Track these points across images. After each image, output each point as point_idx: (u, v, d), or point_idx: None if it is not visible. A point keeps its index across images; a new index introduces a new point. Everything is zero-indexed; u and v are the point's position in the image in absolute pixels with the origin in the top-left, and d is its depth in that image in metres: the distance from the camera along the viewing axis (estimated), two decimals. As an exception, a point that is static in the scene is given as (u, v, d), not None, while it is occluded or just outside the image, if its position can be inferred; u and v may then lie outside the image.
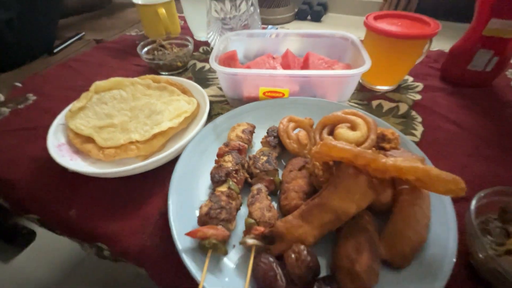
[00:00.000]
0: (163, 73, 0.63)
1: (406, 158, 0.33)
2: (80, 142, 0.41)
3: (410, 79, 0.59)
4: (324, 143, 0.27)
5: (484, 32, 0.49)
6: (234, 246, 0.29)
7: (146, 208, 0.35)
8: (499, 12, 0.46)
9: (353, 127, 0.36)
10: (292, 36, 0.58)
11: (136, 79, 0.51)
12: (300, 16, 2.82)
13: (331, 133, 0.38)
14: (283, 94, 0.46)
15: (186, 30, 0.83)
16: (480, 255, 0.25)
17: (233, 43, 0.58)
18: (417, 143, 0.43)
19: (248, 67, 0.50)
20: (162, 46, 0.62)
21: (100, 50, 0.75)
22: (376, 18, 0.51)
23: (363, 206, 0.27)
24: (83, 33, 1.16)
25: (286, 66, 0.51)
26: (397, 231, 0.27)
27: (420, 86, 0.57)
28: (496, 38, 0.48)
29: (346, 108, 0.42)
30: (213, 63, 0.44)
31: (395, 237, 0.27)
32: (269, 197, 0.32)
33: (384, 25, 0.48)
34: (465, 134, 0.45)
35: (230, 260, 0.28)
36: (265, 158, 0.35)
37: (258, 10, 0.68)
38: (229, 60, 0.50)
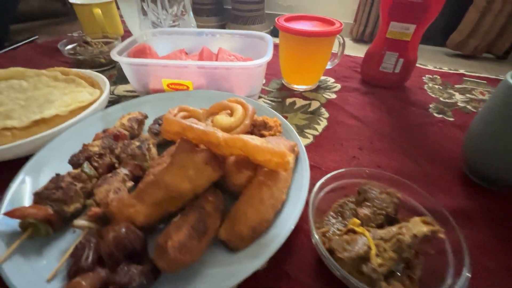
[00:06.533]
0: (88, 69, 0.62)
1: (277, 142, 0.33)
2: (-45, 129, 0.38)
3: (331, 80, 0.61)
4: (164, 118, 0.26)
5: (387, 35, 0.51)
6: (74, 231, 0.27)
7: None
8: (396, 15, 0.49)
9: (231, 114, 0.35)
10: (217, 35, 0.59)
11: (42, 70, 0.49)
12: (275, 33, 2.92)
13: (216, 121, 0.37)
14: (188, 87, 0.46)
15: (130, 33, 0.83)
16: (317, 237, 0.24)
17: (156, 40, 0.58)
18: (316, 136, 0.44)
19: (159, 61, 0.49)
20: (86, 42, 0.61)
21: (31, 48, 0.74)
22: (288, 19, 0.53)
23: (202, 184, 0.25)
24: (36, 36, 1.14)
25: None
26: (238, 211, 0.26)
27: (338, 86, 0.58)
28: (398, 41, 0.51)
29: (246, 98, 0.42)
30: (113, 54, 0.44)
31: (236, 217, 0.25)
32: (128, 182, 0.30)
33: (294, 25, 0.50)
34: (364, 128, 0.46)
35: (64, 244, 0.26)
36: (138, 143, 0.34)
37: (192, 14, 0.69)
38: (140, 53, 0.50)
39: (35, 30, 1.30)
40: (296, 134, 0.36)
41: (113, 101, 0.52)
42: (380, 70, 0.55)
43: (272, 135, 0.35)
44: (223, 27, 3.07)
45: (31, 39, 1.11)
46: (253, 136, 0.26)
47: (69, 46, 0.62)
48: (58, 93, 0.45)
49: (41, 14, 1.42)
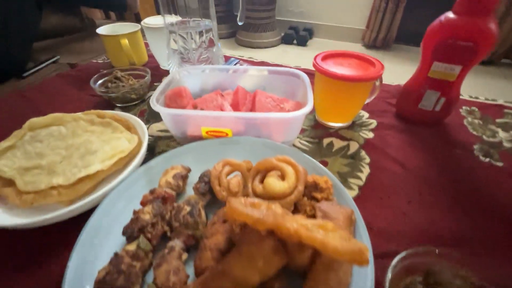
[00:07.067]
0: (118, 104, 0.62)
1: (334, 211, 0.31)
2: (0, 185, 0.38)
3: (366, 115, 0.59)
4: (229, 206, 0.25)
5: (429, 74, 0.50)
6: (135, 315, 0.26)
7: (54, 263, 0.32)
8: (440, 56, 0.47)
9: (282, 176, 0.34)
10: (249, 71, 0.58)
11: (79, 114, 0.49)
12: (286, 40, 2.92)
13: (263, 179, 0.36)
14: (227, 134, 0.45)
15: (154, 58, 0.83)
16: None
17: (188, 77, 0.58)
18: (361, 188, 0.42)
19: (195, 104, 0.49)
20: (117, 78, 0.61)
21: (60, 78, 0.74)
22: (324, 58, 0.52)
23: (270, 274, 0.24)
24: (58, 56, 1.16)
25: (235, 103, 0.51)
26: (307, 302, 0.25)
27: (374, 123, 0.56)
28: (440, 80, 0.49)
29: (290, 149, 0.42)
30: (153, 102, 0.43)
31: (305, 308, 0.24)
32: (184, 255, 0.30)
33: (330, 66, 0.49)
34: (409, 177, 0.44)
35: (126, 334, 0.25)
36: (188, 208, 0.33)
37: (220, 45, 0.69)
38: (176, 96, 0.49)
39: (55, 48, 1.32)
40: (350, 196, 0.35)
41: (149, 143, 0.51)
42: (418, 107, 0.54)
43: (325, 198, 0.34)
44: (233, 34, 3.07)
45: (53, 59, 1.13)
46: (326, 224, 0.25)
47: (100, 81, 0.62)
48: (97, 141, 0.45)
49: (60, 31, 1.43)
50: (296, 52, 2.74)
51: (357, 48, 2.77)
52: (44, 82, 0.72)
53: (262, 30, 2.78)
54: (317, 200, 0.34)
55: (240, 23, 0.67)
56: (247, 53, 2.73)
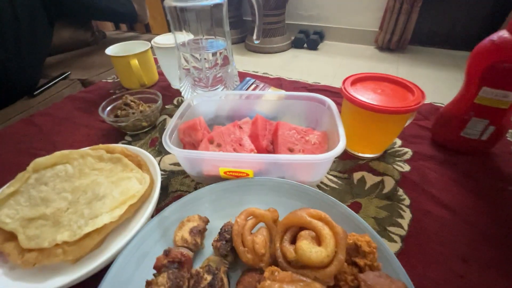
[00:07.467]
0: (128, 132, 0.58)
1: (383, 287, 0.26)
2: (1, 240, 0.35)
3: (398, 142, 0.53)
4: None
5: (476, 100, 0.43)
6: None
7: None
8: (491, 81, 0.41)
9: (318, 239, 0.29)
10: (267, 96, 0.53)
11: (87, 150, 0.45)
12: (296, 44, 2.86)
13: (294, 238, 0.31)
14: (247, 174, 0.41)
15: (164, 76, 0.79)
16: None
17: (202, 103, 0.53)
18: (404, 238, 0.37)
19: (212, 139, 0.44)
20: (127, 104, 0.58)
21: (69, 102, 0.71)
22: (354, 82, 0.46)
23: None
24: (69, 72, 1.14)
25: (254, 135, 0.46)
26: None
27: (408, 152, 0.50)
28: (490, 108, 0.43)
29: (319, 194, 0.37)
30: (166, 143, 0.39)
31: None
32: None
33: (360, 92, 0.43)
34: (459, 223, 0.38)
35: None
36: (209, 278, 0.28)
37: (234, 64, 0.64)
38: (190, 130, 0.45)
39: (66, 63, 1.31)
40: (394, 257, 0.29)
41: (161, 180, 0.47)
42: (461, 135, 0.47)
43: (369, 265, 0.29)
44: (243, 39, 3.04)
45: (63, 75, 1.11)
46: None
47: (109, 107, 0.59)
48: (105, 182, 0.41)
49: (72, 45, 1.43)
50: (307, 56, 2.68)
51: (370, 50, 2.68)
52: (53, 107, 0.69)
53: (272, 35, 2.73)
54: (359, 268, 0.29)
55: (256, 42, 0.63)
56: (257, 59, 2.68)
